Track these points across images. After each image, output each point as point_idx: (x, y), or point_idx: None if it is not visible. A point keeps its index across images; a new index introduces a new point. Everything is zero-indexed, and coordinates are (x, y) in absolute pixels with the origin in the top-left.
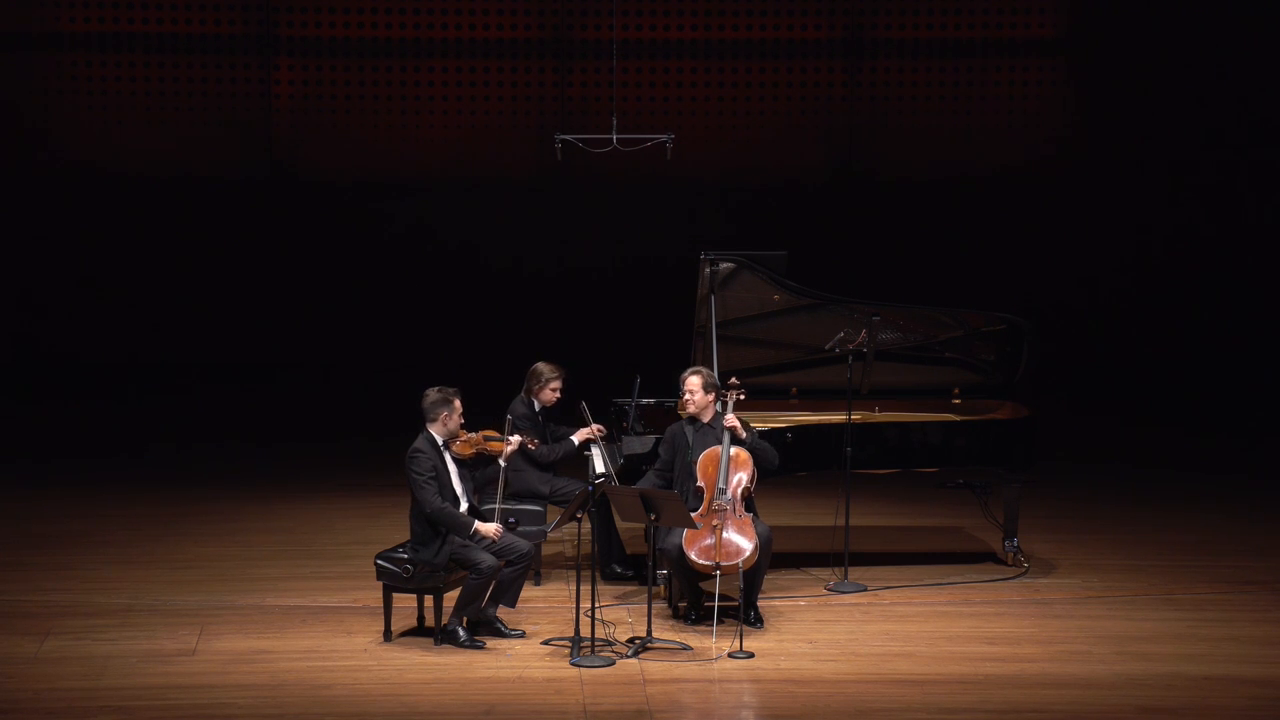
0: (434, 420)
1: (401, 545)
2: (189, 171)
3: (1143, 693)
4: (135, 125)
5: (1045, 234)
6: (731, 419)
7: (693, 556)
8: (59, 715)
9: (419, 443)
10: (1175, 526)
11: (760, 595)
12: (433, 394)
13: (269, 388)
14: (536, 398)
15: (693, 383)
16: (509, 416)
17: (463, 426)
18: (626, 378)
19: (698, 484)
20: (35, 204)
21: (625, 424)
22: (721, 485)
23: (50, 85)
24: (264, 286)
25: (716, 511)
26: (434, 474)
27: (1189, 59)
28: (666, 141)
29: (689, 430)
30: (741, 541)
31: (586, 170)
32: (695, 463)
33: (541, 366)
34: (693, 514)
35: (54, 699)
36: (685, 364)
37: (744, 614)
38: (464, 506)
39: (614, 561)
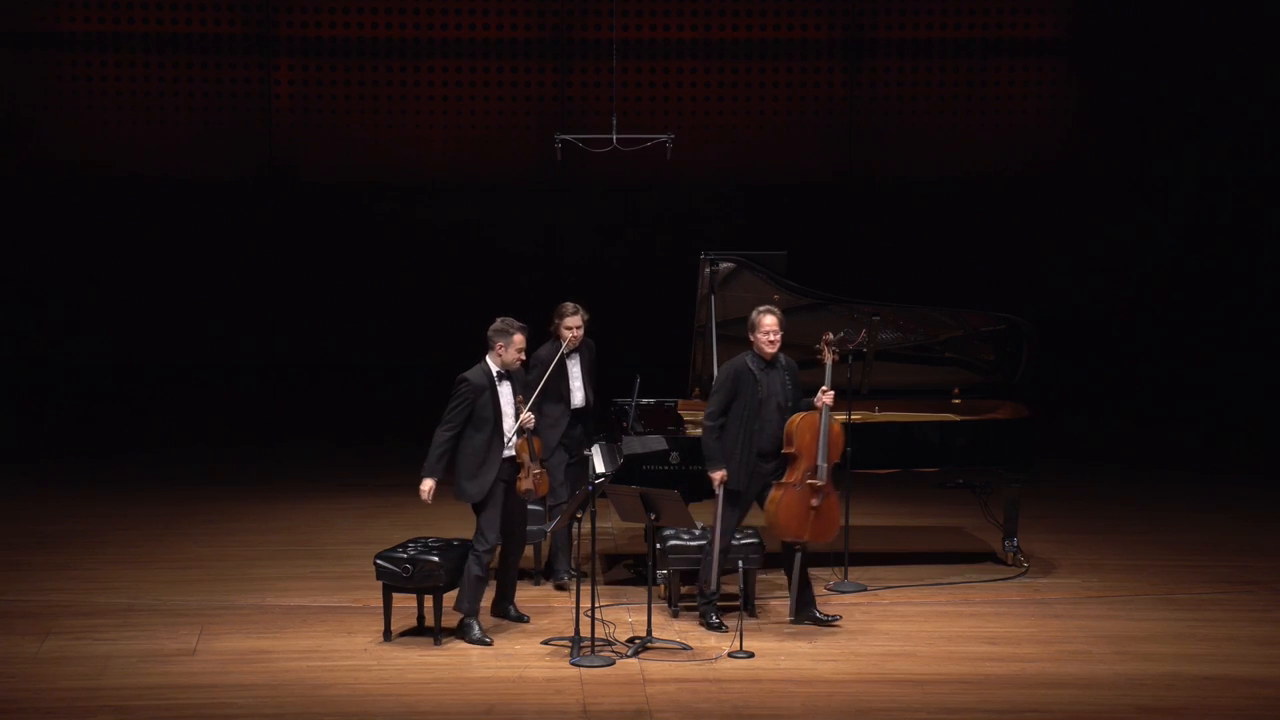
0: (491, 349)
1: (402, 545)
2: (189, 171)
3: (1142, 692)
4: (135, 125)
5: (1046, 234)
6: (829, 396)
7: (777, 527)
8: (59, 715)
9: (470, 372)
10: (1175, 526)
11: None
12: (497, 322)
13: (268, 387)
14: (558, 336)
15: (770, 323)
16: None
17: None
18: (626, 377)
19: (791, 450)
20: (35, 204)
21: (625, 424)
22: (821, 461)
23: (50, 85)
24: (264, 286)
25: (813, 488)
26: (468, 404)
27: (1190, 59)
28: (666, 141)
29: (756, 368)
30: (834, 519)
31: (586, 170)
32: (763, 416)
33: (565, 304)
34: (784, 480)
35: (54, 698)
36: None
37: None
38: (510, 440)
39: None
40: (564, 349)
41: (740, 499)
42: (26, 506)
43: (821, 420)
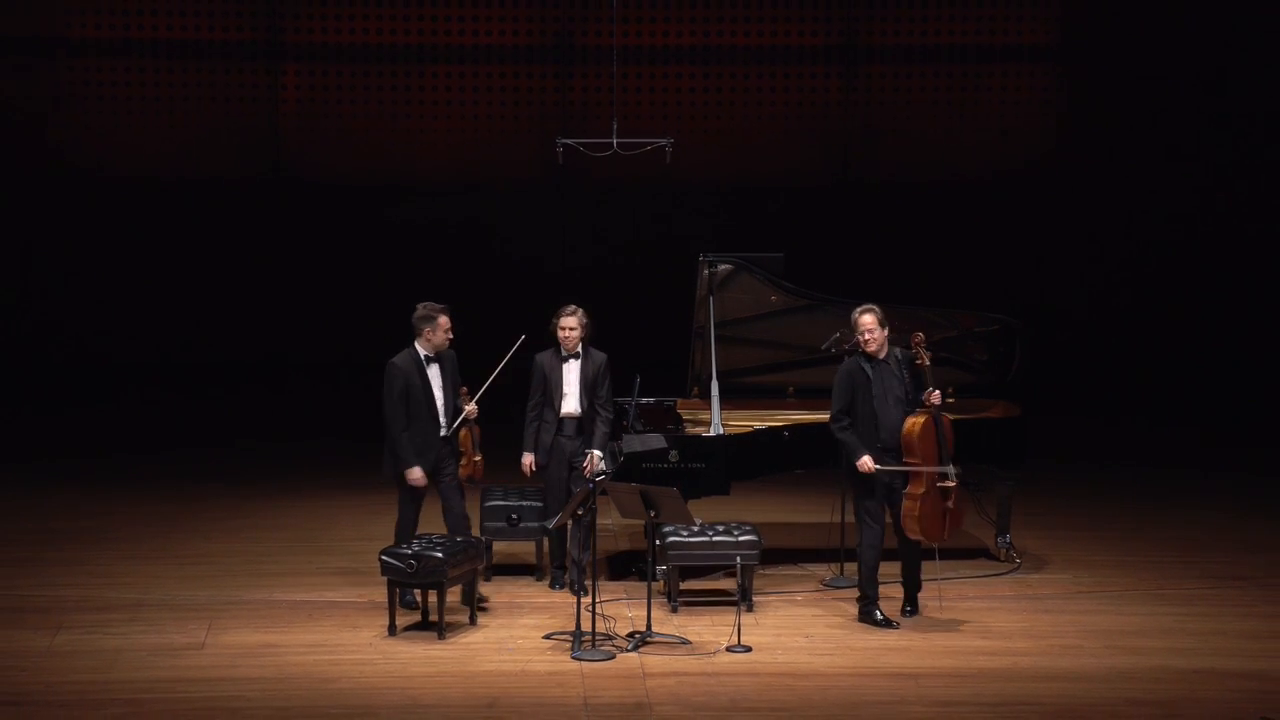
0: (419, 335)
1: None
2: (198, 175)
3: (1131, 686)
4: (145, 130)
5: (1039, 237)
6: (937, 395)
7: (921, 537)
8: (70, 707)
9: (397, 357)
10: (1165, 523)
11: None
12: (420, 309)
13: (275, 386)
14: (554, 335)
15: (868, 321)
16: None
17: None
18: (626, 378)
19: (915, 460)
20: (44, 207)
21: (625, 423)
22: (947, 466)
23: (62, 90)
24: (270, 287)
25: (943, 490)
26: (403, 389)
27: (1182, 65)
28: (666, 146)
29: (867, 367)
30: (961, 511)
31: (587, 174)
32: (881, 412)
33: (564, 305)
34: (912, 491)
35: (65, 691)
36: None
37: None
38: (444, 423)
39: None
40: (563, 352)
41: (876, 492)
42: (37, 503)
43: (936, 422)
